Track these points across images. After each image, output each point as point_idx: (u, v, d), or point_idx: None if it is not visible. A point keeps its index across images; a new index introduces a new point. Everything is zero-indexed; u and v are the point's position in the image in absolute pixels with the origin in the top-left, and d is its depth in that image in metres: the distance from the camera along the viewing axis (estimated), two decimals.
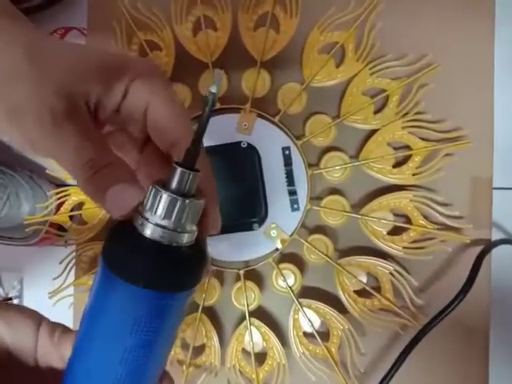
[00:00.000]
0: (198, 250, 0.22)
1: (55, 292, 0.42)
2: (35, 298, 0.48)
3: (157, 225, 0.20)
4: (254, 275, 0.40)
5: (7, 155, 0.48)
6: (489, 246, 0.37)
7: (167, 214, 0.20)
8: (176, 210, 0.20)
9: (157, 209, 0.20)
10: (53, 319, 0.43)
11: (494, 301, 0.38)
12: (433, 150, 0.37)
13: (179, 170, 0.20)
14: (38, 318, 0.23)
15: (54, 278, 0.42)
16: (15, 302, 0.49)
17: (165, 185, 0.21)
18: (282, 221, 0.39)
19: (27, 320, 0.23)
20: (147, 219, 0.20)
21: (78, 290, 0.43)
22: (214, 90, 0.20)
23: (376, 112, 0.39)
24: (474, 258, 0.36)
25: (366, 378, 0.39)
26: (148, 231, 0.20)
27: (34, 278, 0.49)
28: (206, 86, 0.41)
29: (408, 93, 0.38)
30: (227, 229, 0.39)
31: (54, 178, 0.45)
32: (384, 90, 0.39)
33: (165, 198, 0.20)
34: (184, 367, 0.39)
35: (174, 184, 0.20)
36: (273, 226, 0.39)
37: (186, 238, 0.21)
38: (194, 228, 0.22)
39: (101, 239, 0.43)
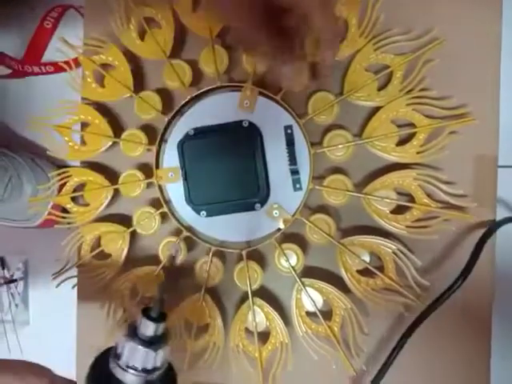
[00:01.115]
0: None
1: (58, 273, 0.42)
2: (40, 279, 0.49)
3: (127, 368, 0.27)
4: (257, 255, 0.40)
5: (8, 137, 0.47)
6: (492, 227, 0.37)
7: (137, 361, 0.27)
8: (144, 357, 0.28)
9: (128, 356, 0.28)
10: (57, 300, 0.45)
11: (498, 281, 0.38)
12: (437, 127, 0.37)
13: (148, 322, 0.28)
14: (51, 377, 0.24)
15: (57, 260, 0.43)
16: (20, 283, 0.49)
17: (135, 332, 0.28)
18: (284, 201, 0.38)
19: (43, 379, 0.24)
20: (119, 364, 0.28)
21: (81, 271, 0.43)
22: (173, 252, 0.29)
23: (380, 89, 0.38)
24: (479, 235, 0.36)
25: (369, 358, 0.39)
26: (120, 375, 0.27)
27: (38, 260, 0.49)
28: (208, 63, 0.40)
29: (412, 69, 0.37)
30: (230, 209, 0.39)
31: (55, 159, 0.44)
32: (388, 66, 0.38)
33: (132, 346, 0.28)
34: (188, 347, 0.40)
35: (143, 333, 0.28)
36: (275, 205, 0.39)
37: (155, 376, 0.28)
38: (163, 366, 0.29)
39: (103, 220, 0.43)
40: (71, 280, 0.42)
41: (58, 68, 0.45)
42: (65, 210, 0.43)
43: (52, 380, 0.24)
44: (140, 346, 0.28)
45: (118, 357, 0.28)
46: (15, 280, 0.48)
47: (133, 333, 0.29)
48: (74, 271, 0.43)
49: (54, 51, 0.44)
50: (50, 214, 0.43)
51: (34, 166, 0.45)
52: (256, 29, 0.27)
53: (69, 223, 0.43)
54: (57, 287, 0.42)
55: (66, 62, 0.43)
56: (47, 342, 0.47)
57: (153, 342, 0.28)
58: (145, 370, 0.28)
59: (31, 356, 0.46)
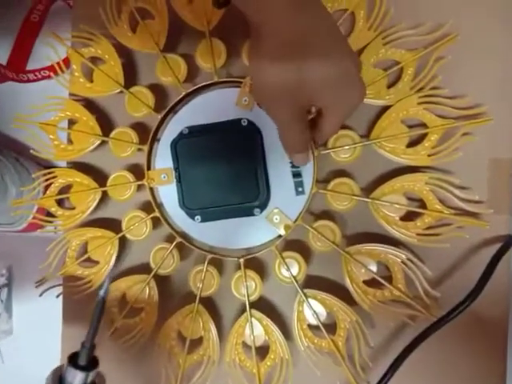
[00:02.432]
0: None
1: (42, 281, 0.40)
2: (25, 287, 0.46)
3: None
4: (256, 264, 0.38)
5: None
6: (509, 240, 0.35)
7: None
8: None
9: None
10: (42, 310, 0.43)
11: None
12: (450, 128, 0.35)
13: (76, 371, 0.26)
14: None
15: (41, 267, 0.40)
16: (3, 291, 0.47)
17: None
18: (285, 205, 0.37)
19: None
20: None
21: (67, 280, 0.41)
22: (102, 293, 0.25)
23: (389, 86, 0.36)
24: (494, 246, 0.34)
25: (373, 373, 0.37)
26: None
27: (23, 266, 0.47)
28: (204, 57, 0.38)
29: (424, 65, 0.35)
30: (226, 214, 0.37)
31: (41, 159, 0.42)
32: (398, 62, 0.36)
33: None
34: (180, 361, 0.38)
35: (70, 383, 0.27)
36: (275, 210, 0.37)
37: None
38: None
39: (90, 225, 0.41)
40: (58, 288, 0.40)
41: (54, 71, 0.42)
42: (50, 214, 0.41)
43: None
44: None
45: None
46: None
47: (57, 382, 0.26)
48: (60, 279, 0.41)
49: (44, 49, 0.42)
50: (34, 217, 0.41)
51: (19, 166, 0.43)
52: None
53: (55, 228, 0.41)
54: (40, 296, 0.40)
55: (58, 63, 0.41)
56: (31, 354, 0.45)
57: None
58: None
59: (13, 367, 0.44)
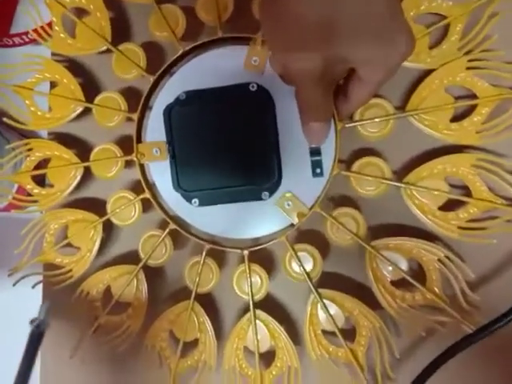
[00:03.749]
0: None
1: (15, 270, 0.37)
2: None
3: None
4: (262, 257, 0.35)
5: None
6: None
7: None
8: None
9: None
10: (17, 302, 0.39)
11: None
12: (505, 99, 0.31)
13: None
14: None
15: (17, 252, 0.37)
16: None
17: None
18: (299, 189, 0.33)
19: None
20: None
21: (47, 267, 0.38)
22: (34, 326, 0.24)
23: (432, 47, 0.32)
24: None
25: None
26: None
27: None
28: (207, 8, 0.34)
29: (475, 22, 0.31)
30: (229, 197, 0.34)
31: (20, 129, 0.38)
32: (444, 17, 0.32)
33: None
34: (171, 366, 0.35)
35: None
36: (288, 195, 0.33)
37: None
38: None
39: (71, 206, 0.37)
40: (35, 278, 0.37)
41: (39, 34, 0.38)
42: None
43: None
44: None
45: None
46: None
47: None
48: (38, 268, 0.38)
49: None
50: (14, 198, 0.38)
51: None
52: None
53: (31, 208, 0.38)
54: (14, 286, 0.36)
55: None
56: (4, 353, 0.41)
57: None
58: None
59: None
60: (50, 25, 0.37)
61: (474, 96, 0.32)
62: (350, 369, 0.33)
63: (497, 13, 0.31)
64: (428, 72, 0.32)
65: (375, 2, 0.21)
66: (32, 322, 0.21)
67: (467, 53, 0.31)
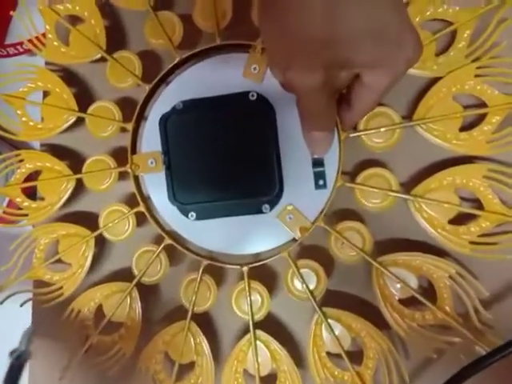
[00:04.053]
0: None
1: (3, 287, 0.36)
2: None
3: None
4: (263, 274, 0.34)
5: None
6: None
7: None
8: None
9: None
10: (6, 320, 0.37)
11: None
12: None
13: None
14: None
15: (4, 269, 0.36)
16: None
17: None
18: (301, 201, 0.32)
19: None
20: None
21: (37, 285, 0.37)
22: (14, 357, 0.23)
23: (438, 54, 0.32)
24: None
25: None
26: None
27: None
28: (205, 15, 0.33)
29: (483, 27, 0.31)
30: (227, 210, 0.33)
31: (11, 140, 0.38)
32: (451, 23, 0.31)
33: None
34: None
35: None
36: (289, 208, 0.32)
37: None
38: None
39: (62, 220, 0.37)
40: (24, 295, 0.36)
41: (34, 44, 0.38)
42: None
43: None
44: None
45: None
46: None
47: None
48: (27, 285, 0.37)
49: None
50: (4, 211, 0.37)
51: None
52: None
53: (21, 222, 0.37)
54: (1, 304, 0.35)
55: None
56: None
57: None
58: None
59: None
60: (44, 35, 0.37)
61: (483, 104, 0.31)
62: None
63: (505, 19, 0.30)
64: (435, 80, 0.31)
65: (380, 6, 0.20)
66: (12, 353, 0.19)
67: (475, 60, 0.31)
